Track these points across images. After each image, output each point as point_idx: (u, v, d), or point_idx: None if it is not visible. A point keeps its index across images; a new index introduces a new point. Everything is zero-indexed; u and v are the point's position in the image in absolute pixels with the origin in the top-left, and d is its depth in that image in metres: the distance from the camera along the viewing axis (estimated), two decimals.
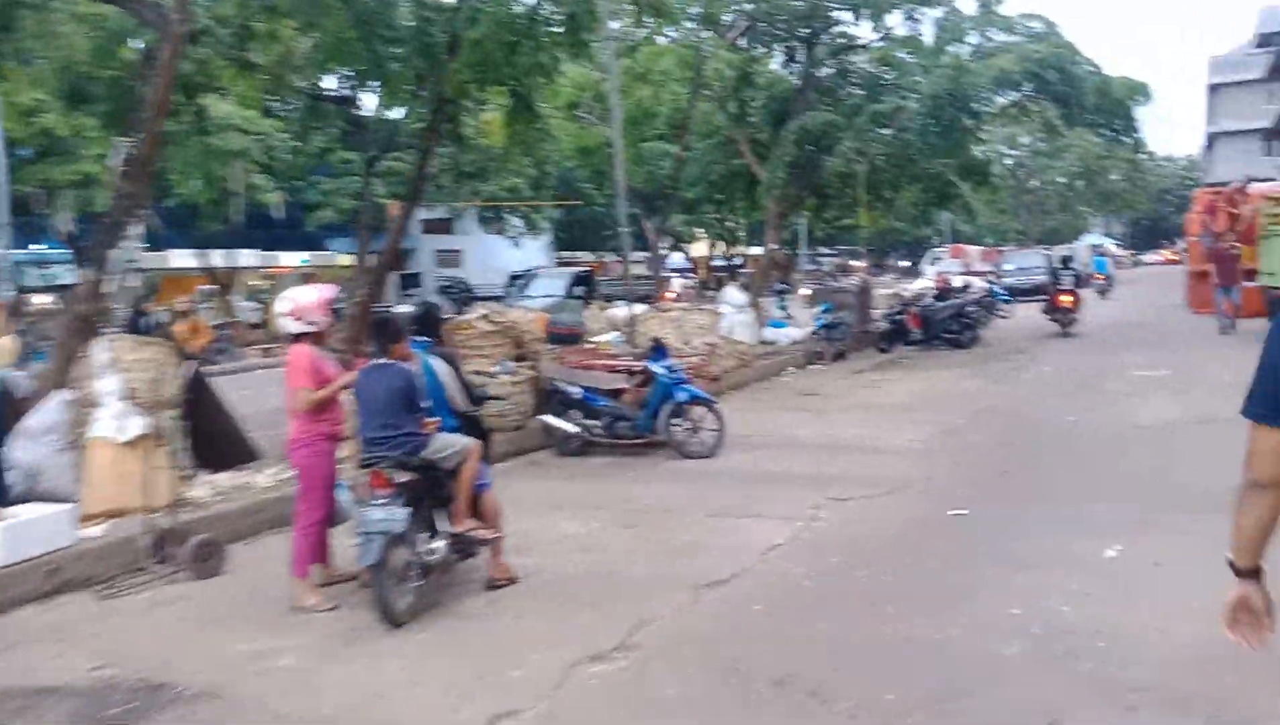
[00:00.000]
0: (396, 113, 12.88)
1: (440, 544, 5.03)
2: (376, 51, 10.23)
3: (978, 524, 6.32)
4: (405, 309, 5.63)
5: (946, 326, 18.54)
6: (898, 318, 18.76)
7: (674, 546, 6.18)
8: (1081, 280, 23.65)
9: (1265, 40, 59.61)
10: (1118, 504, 6.51)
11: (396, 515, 4.75)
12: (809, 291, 24.09)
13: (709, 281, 36.10)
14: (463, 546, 5.23)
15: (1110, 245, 59.31)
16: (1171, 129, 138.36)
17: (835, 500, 7.09)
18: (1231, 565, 2.17)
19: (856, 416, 10.98)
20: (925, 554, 5.76)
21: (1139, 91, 16.91)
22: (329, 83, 12.45)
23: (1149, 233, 79.20)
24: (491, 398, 6.38)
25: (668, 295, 22.16)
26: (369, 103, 13.11)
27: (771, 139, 18.87)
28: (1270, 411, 2.00)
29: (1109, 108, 16.74)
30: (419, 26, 10.27)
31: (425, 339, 5.39)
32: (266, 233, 29.97)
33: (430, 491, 5.08)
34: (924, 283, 28.40)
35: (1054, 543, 5.76)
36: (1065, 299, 19.72)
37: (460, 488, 5.12)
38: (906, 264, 66.60)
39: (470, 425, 5.42)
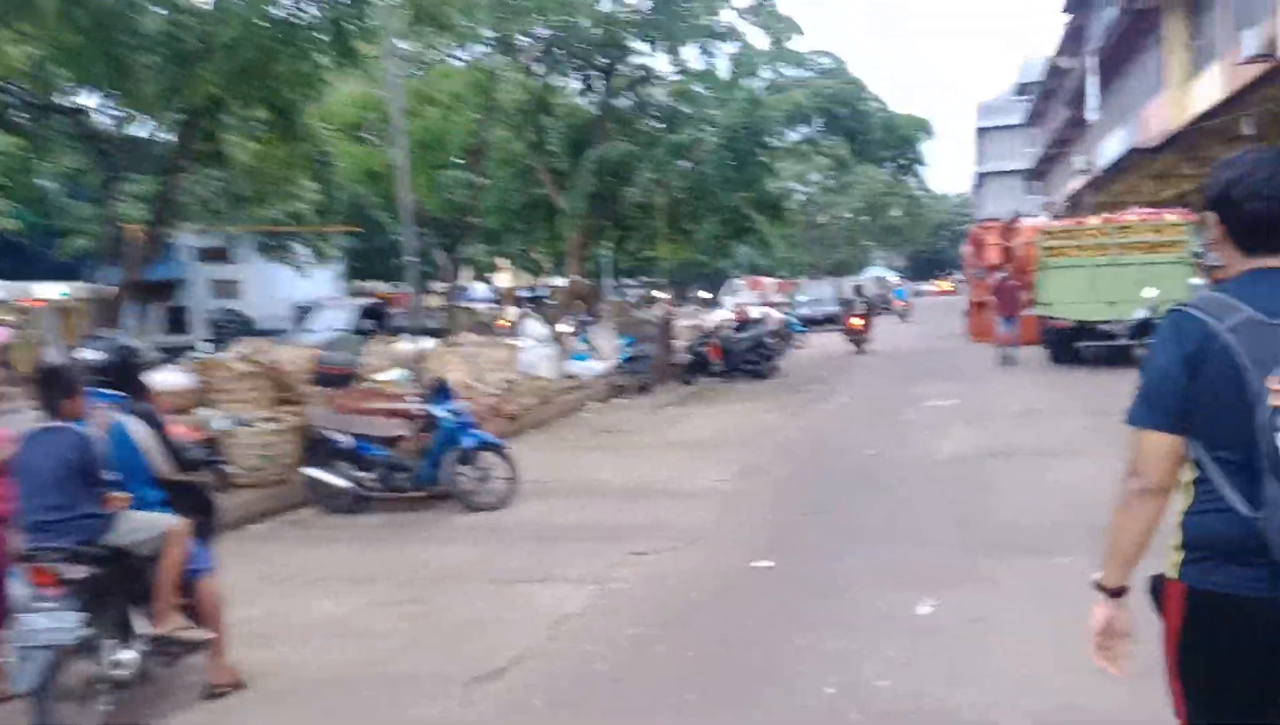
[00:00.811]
0: (145, 128, 11.43)
1: (133, 653, 3.95)
2: (116, 58, 8.90)
3: (784, 578, 5.79)
4: (90, 354, 4.46)
5: (746, 357, 18.49)
6: (699, 349, 18.57)
7: (450, 626, 5.30)
8: (872, 307, 26.24)
9: (1024, 89, 65.26)
10: (927, 548, 6.16)
11: (66, 622, 3.67)
12: (613, 323, 23.76)
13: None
14: (169, 651, 4.16)
15: (892, 276, 62.71)
16: (947, 168, 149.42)
17: (635, 555, 6.41)
18: (1099, 586, 2.12)
19: (659, 455, 10.43)
20: (730, 618, 5.15)
21: (921, 127, 17.55)
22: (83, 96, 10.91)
23: (927, 265, 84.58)
24: (213, 462, 5.27)
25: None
26: (115, 116, 11.59)
27: (571, 168, 18.38)
28: (1161, 417, 2.01)
29: (894, 143, 17.25)
30: (169, 30, 9.02)
31: (118, 392, 4.28)
32: (15, 262, 26.67)
33: (121, 586, 4.00)
34: (724, 314, 28.73)
35: (865, 598, 5.29)
36: (858, 323, 22.68)
37: (163, 578, 4.06)
38: (707, 295, 68.13)
39: (183, 497, 4.35)
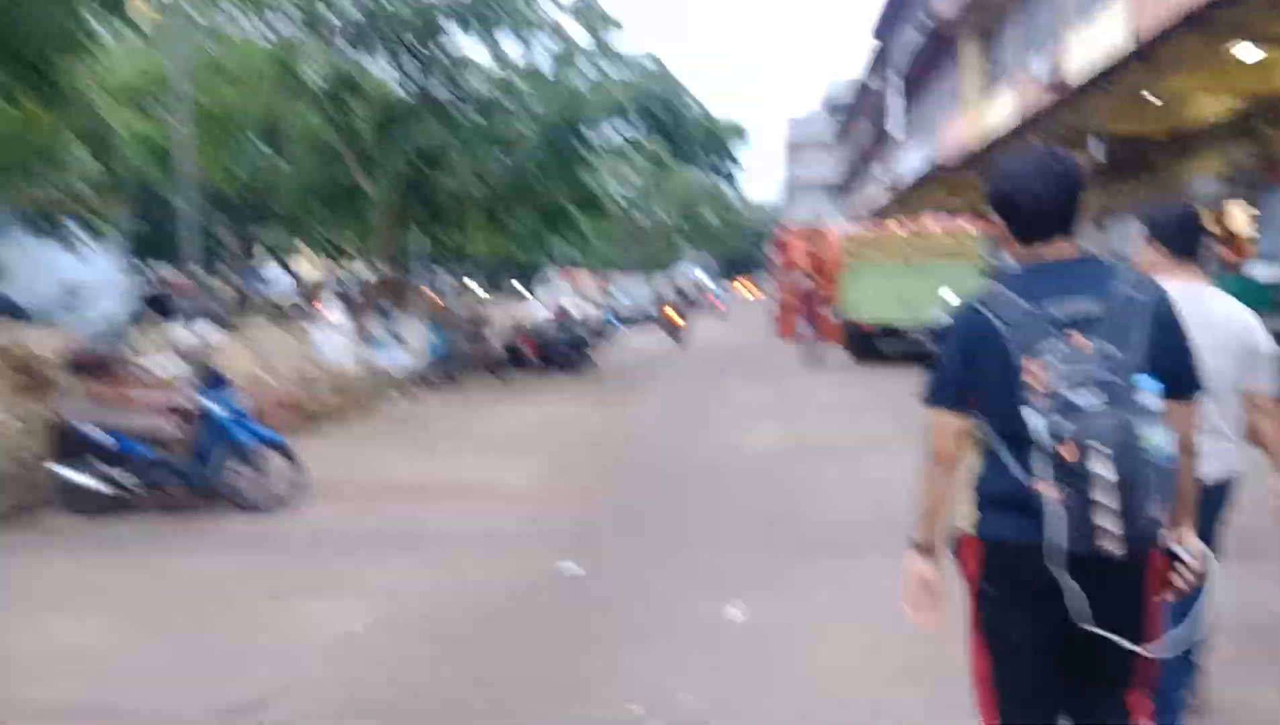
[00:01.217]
0: None
1: None
2: None
3: (590, 584, 5.43)
4: None
5: (562, 352, 18.15)
6: (515, 343, 18.05)
7: (207, 651, 4.61)
8: (691, 303, 29.74)
9: (831, 108, 68.21)
10: (739, 550, 5.96)
11: None
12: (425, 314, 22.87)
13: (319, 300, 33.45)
14: None
15: (704, 276, 64.08)
16: (760, 178, 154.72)
17: (431, 563, 5.90)
18: (914, 544, 2.33)
19: (465, 452, 9.89)
20: (529, 631, 4.74)
21: (737, 133, 17.72)
22: None
23: (735, 265, 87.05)
24: None
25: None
26: None
27: (381, 153, 17.44)
28: (949, 399, 2.26)
29: (712, 146, 17.31)
30: None
31: None
32: None
33: None
34: (540, 307, 28.33)
35: (675, 604, 5.00)
36: (676, 318, 25.12)
37: None
38: (521, 287, 67.45)
39: None
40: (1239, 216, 18.87)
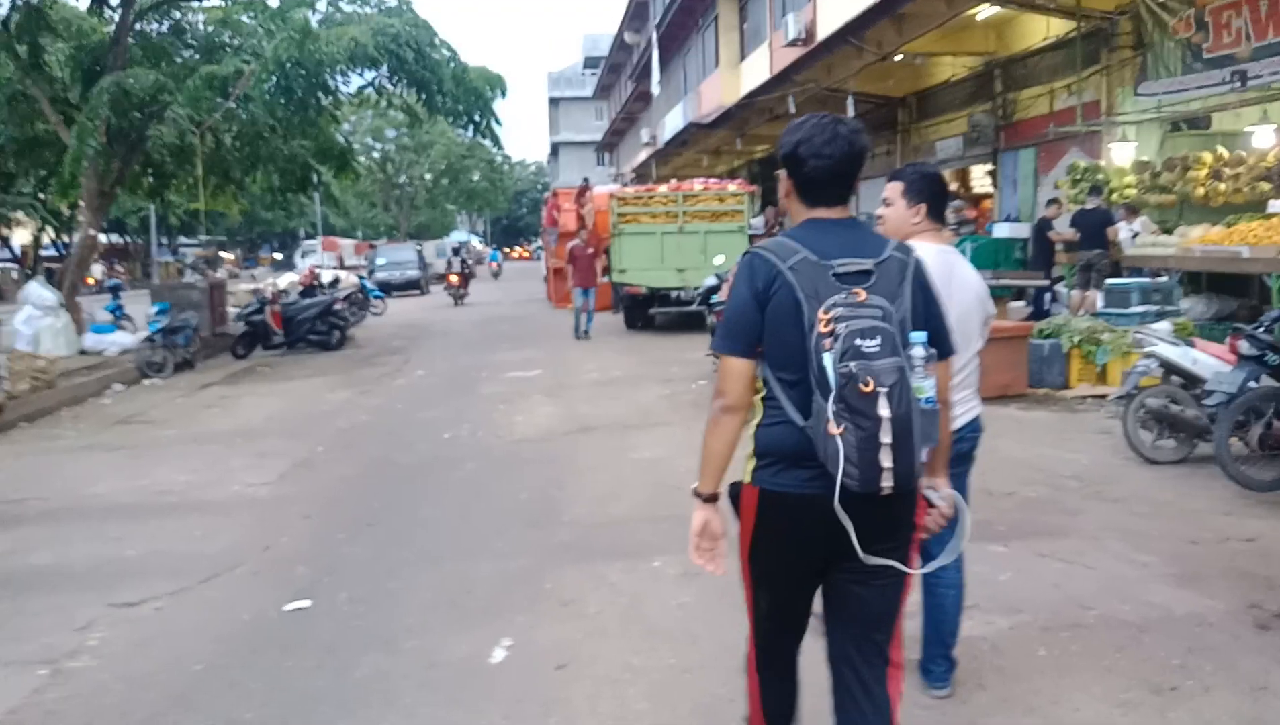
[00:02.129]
0: None
1: None
2: None
3: (322, 624, 4.49)
4: None
5: (313, 327, 16.59)
6: (256, 317, 16.29)
7: None
8: (468, 267, 29.90)
9: (591, 62, 67.71)
10: (505, 562, 5.18)
11: None
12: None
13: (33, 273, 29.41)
14: None
15: (475, 241, 62.47)
16: (524, 137, 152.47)
17: (123, 608, 4.75)
18: (696, 493, 2.39)
19: (188, 452, 8.52)
20: (238, 701, 3.76)
21: (496, 84, 16.60)
22: None
23: (507, 231, 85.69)
24: None
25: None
26: None
27: (83, 100, 15.09)
28: (738, 345, 2.31)
29: (467, 98, 16.14)
30: None
31: None
32: None
33: None
34: (290, 277, 26.17)
35: (423, 644, 4.16)
36: (456, 279, 27.04)
37: None
38: (279, 256, 63.17)
39: None
40: (980, 177, 19.95)
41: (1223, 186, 11.04)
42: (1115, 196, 12.94)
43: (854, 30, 15.95)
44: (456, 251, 31.69)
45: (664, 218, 16.21)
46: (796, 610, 2.45)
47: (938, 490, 2.46)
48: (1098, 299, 11.88)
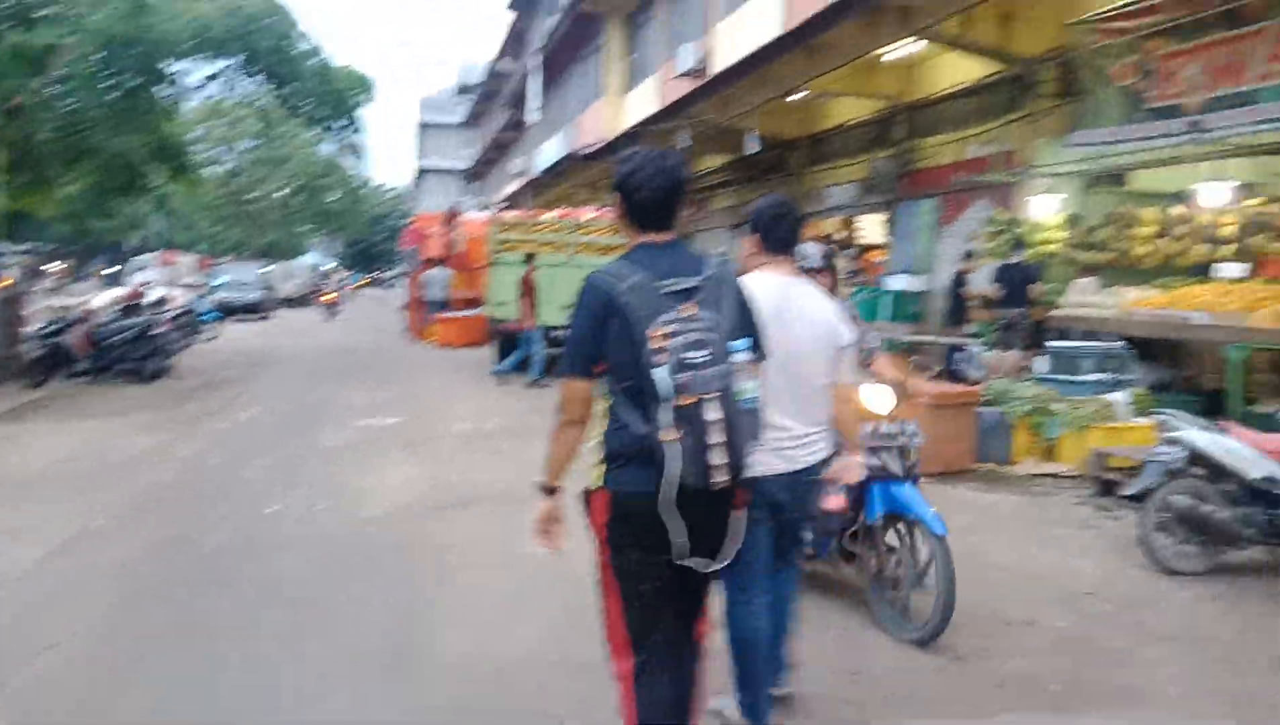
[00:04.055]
0: None
1: None
2: None
3: None
4: None
5: (127, 352, 14.12)
6: (56, 339, 13.72)
7: None
8: (341, 287, 34.26)
9: (465, 89, 65.75)
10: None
11: None
12: None
13: None
14: None
15: (330, 265, 59.01)
16: (388, 161, 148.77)
17: None
18: (541, 486, 2.69)
19: None
20: None
21: (361, 86, 14.72)
22: None
23: (362, 255, 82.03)
24: None
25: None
26: None
27: None
28: (578, 367, 2.57)
29: (331, 99, 14.19)
30: None
31: None
32: None
33: None
34: (112, 294, 23.17)
35: None
36: (329, 298, 30.22)
37: None
38: (110, 271, 58.07)
39: None
40: (873, 227, 19.21)
41: (1172, 246, 10.27)
42: (1029, 253, 12.12)
43: (758, 62, 14.89)
44: (327, 275, 38.02)
45: (550, 248, 14.52)
46: (665, 606, 2.64)
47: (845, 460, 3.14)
48: (1019, 360, 10.93)
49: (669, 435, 2.33)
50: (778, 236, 3.32)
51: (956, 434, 7.97)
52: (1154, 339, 9.78)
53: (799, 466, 3.21)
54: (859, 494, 4.15)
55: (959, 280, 12.07)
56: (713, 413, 2.34)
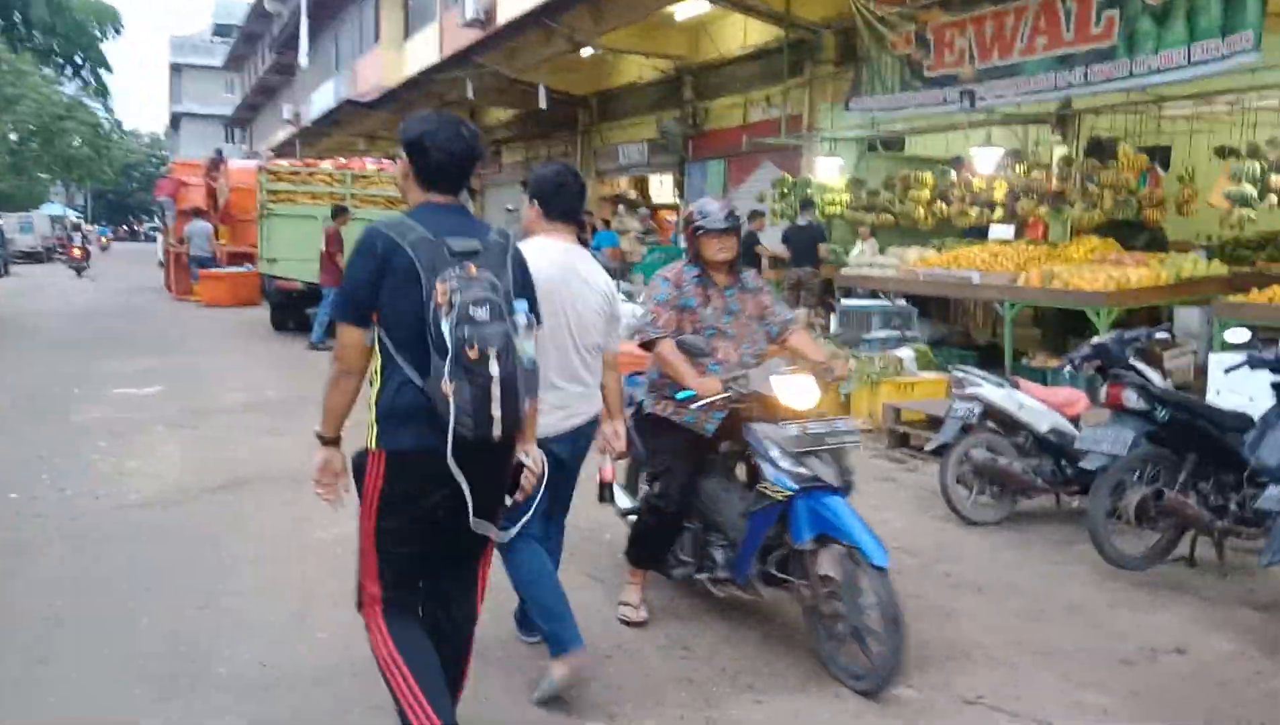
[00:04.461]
0: None
1: None
2: None
3: None
4: None
5: None
6: None
7: None
8: (87, 240, 33.00)
9: (223, 30, 60.86)
10: None
11: None
12: None
13: None
14: None
15: (72, 216, 53.30)
16: (138, 104, 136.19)
17: None
18: (319, 436, 2.69)
19: None
20: None
21: (107, 19, 13.09)
22: None
23: (114, 208, 74.96)
24: None
25: None
26: None
27: None
28: (355, 315, 2.55)
29: (68, 32, 12.51)
30: None
31: None
32: None
33: None
34: None
35: None
36: (78, 252, 28.89)
37: None
38: None
39: None
40: (665, 186, 19.31)
41: (948, 209, 10.80)
42: (816, 214, 12.51)
43: (547, 13, 14.44)
44: (77, 227, 36.89)
45: (327, 199, 13.55)
46: (423, 563, 2.71)
47: (529, 454, 2.73)
48: (809, 318, 11.27)
49: (450, 388, 2.36)
50: (560, 205, 3.41)
51: None
52: (930, 297, 10.31)
53: (573, 425, 3.40)
54: (784, 510, 3.54)
55: (750, 239, 12.24)
56: (494, 368, 2.39)
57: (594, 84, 19.56)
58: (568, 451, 3.43)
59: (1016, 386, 5.63)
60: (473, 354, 2.37)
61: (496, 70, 17.45)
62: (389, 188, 13.91)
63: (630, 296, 13.01)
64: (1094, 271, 8.59)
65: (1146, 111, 9.93)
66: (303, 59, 31.18)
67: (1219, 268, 8.87)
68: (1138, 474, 4.66)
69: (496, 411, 2.41)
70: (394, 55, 25.18)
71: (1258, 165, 8.07)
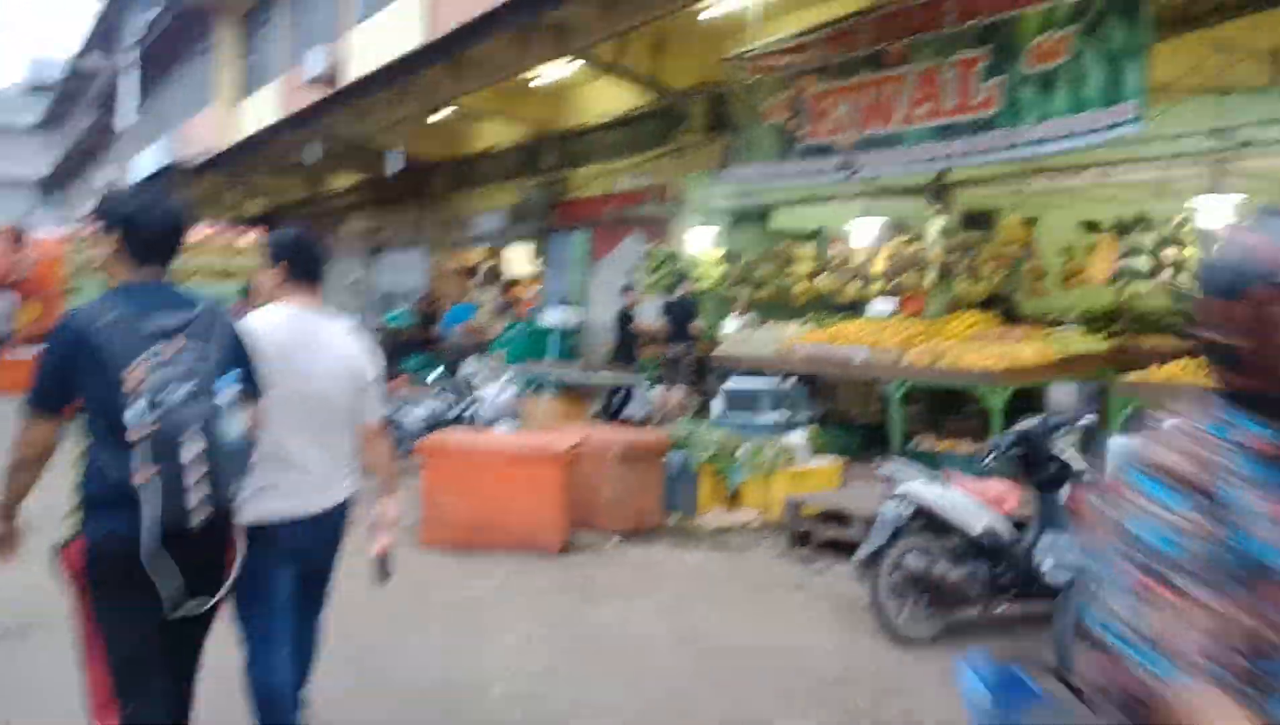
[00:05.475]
0: None
1: None
2: None
3: None
4: None
5: None
6: None
7: None
8: None
9: (40, 88, 56.89)
10: None
11: None
12: None
13: None
14: None
15: None
16: None
17: None
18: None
19: None
20: None
21: None
22: None
23: None
24: None
25: None
26: None
27: None
28: (43, 405, 2.52)
29: None
30: None
31: None
32: None
33: None
34: None
35: None
36: None
37: None
38: None
39: None
40: (522, 258, 18.52)
41: (827, 283, 10.41)
42: (689, 288, 11.97)
43: (398, 73, 13.59)
44: None
45: None
46: (156, 657, 2.54)
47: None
48: (684, 397, 10.63)
49: (143, 476, 2.32)
50: (302, 268, 3.20)
51: (647, 486, 7.26)
52: (807, 375, 9.80)
53: (321, 508, 3.08)
54: None
55: (626, 315, 11.56)
56: (190, 451, 2.33)
57: (448, 149, 18.71)
58: (308, 541, 3.05)
59: (949, 481, 5.04)
60: (164, 439, 2.31)
61: (341, 133, 16.43)
62: (219, 257, 12.58)
63: (488, 375, 12.08)
64: (981, 348, 8.28)
65: (1015, 183, 9.87)
66: (125, 118, 29.04)
67: (1098, 343, 8.74)
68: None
69: (195, 497, 2.34)
70: (229, 115, 23.66)
71: (1148, 238, 7.97)
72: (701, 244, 12.32)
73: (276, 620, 2.94)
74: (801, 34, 10.11)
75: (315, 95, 16.84)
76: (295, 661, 3.07)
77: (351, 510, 3.20)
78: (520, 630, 4.89)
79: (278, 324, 3.00)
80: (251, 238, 14.27)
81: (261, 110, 21.13)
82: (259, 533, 2.78)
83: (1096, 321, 9.50)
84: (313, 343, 3.10)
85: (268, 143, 17.90)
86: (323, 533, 3.11)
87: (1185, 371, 6.73)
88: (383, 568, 3.30)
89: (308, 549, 3.06)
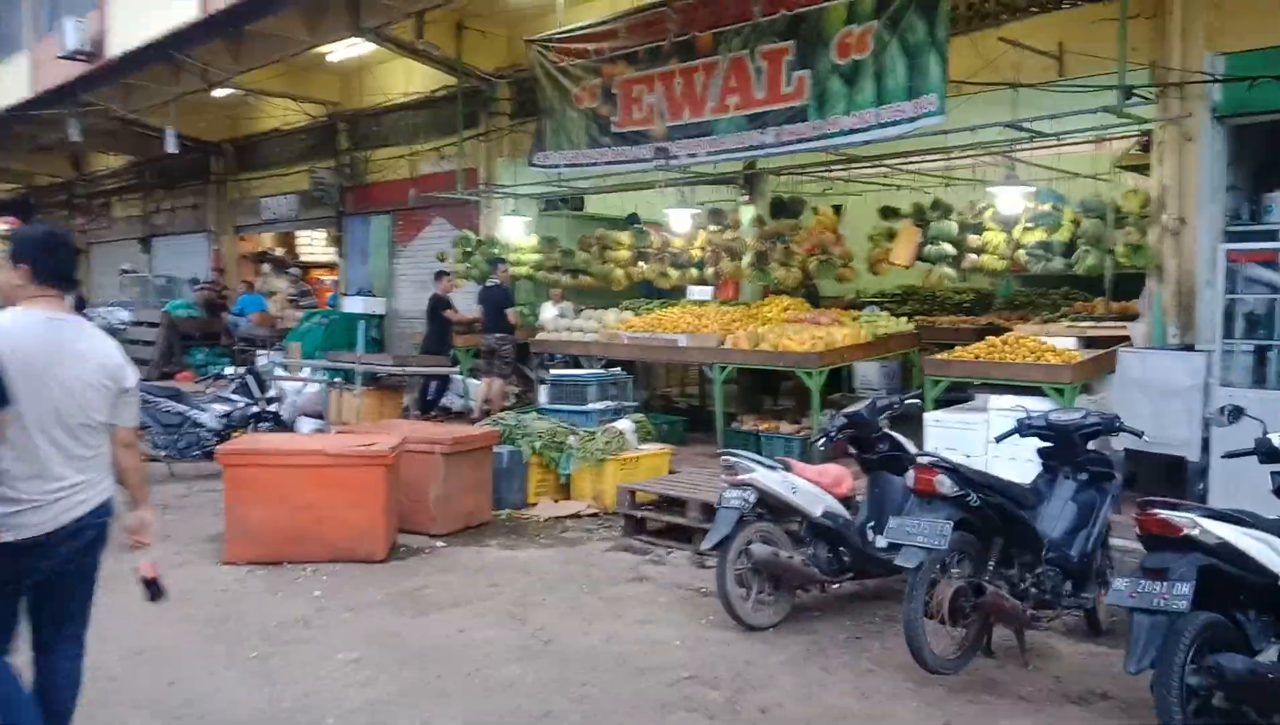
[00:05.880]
0: None
1: None
2: None
3: None
4: None
5: None
6: None
7: None
8: None
9: None
10: None
11: None
12: None
13: None
14: None
15: None
16: None
17: None
18: None
19: None
20: None
21: None
22: None
23: None
24: None
25: None
26: None
27: None
28: None
29: None
30: None
31: None
32: None
33: None
34: None
35: None
36: None
37: None
38: None
39: None
40: (319, 243, 17.52)
41: (646, 270, 10.37)
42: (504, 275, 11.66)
43: (174, 46, 12.49)
44: None
45: None
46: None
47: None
48: (505, 387, 10.37)
49: None
50: (50, 268, 3.01)
51: (477, 482, 6.97)
52: (626, 361, 9.77)
53: (73, 516, 2.91)
54: None
55: (438, 303, 11.10)
56: None
57: (231, 129, 17.46)
58: (65, 550, 2.93)
59: (789, 468, 5.07)
60: None
61: (108, 110, 14.99)
62: None
63: (286, 368, 11.35)
64: (798, 332, 8.48)
65: (820, 172, 10.18)
66: None
67: (905, 324, 9.15)
68: (940, 566, 4.21)
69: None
70: None
71: (954, 225, 8.38)
72: (515, 230, 12.03)
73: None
74: (607, 21, 10.00)
75: (75, 71, 15.25)
76: (44, 699, 2.91)
77: (109, 521, 3.07)
78: (349, 650, 4.53)
79: (19, 329, 2.87)
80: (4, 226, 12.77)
81: (11, 84, 18.96)
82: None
83: (899, 302, 9.95)
84: (58, 348, 2.94)
85: (24, 117, 16.18)
86: (75, 543, 2.95)
87: (990, 350, 7.12)
88: (153, 587, 3.12)
89: (42, 567, 2.91)
